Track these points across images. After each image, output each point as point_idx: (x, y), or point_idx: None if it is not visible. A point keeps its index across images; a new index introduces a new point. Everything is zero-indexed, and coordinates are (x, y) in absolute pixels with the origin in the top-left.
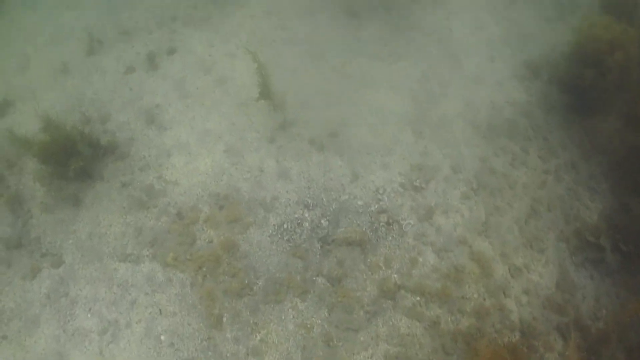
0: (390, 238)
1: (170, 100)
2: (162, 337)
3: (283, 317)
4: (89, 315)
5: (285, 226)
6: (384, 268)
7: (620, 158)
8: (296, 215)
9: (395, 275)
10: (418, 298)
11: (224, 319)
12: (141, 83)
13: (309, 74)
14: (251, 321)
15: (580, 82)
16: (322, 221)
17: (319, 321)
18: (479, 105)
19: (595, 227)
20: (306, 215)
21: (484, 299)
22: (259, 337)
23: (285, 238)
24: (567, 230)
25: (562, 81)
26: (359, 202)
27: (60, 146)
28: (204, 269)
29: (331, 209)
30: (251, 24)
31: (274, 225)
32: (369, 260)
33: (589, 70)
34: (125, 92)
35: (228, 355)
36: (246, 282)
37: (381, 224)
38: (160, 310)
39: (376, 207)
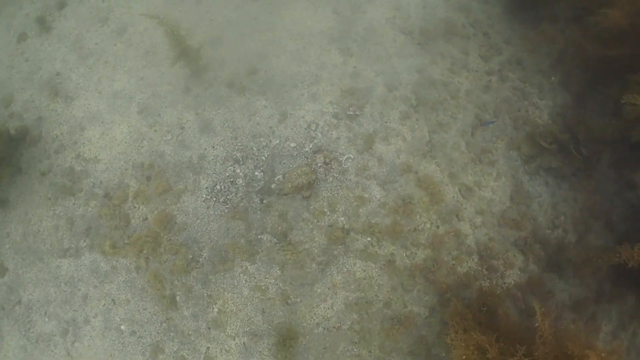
0: (330, 179)
1: (71, 64)
2: (123, 327)
3: (236, 284)
4: (47, 319)
5: (218, 187)
6: (329, 213)
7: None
8: (227, 174)
9: (342, 219)
10: (369, 238)
11: (177, 298)
12: (36, 50)
13: (214, 2)
14: (205, 294)
15: None
16: (256, 173)
17: (273, 281)
18: (408, 8)
19: (547, 130)
20: (238, 171)
21: (437, 227)
22: (216, 309)
23: (220, 200)
24: (518, 136)
25: None
26: (292, 144)
27: None
28: (145, 252)
29: (263, 158)
30: None
31: (207, 187)
32: (312, 207)
33: None
34: (22, 65)
35: (190, 332)
36: (190, 256)
37: (319, 165)
38: (113, 300)
39: (311, 146)
